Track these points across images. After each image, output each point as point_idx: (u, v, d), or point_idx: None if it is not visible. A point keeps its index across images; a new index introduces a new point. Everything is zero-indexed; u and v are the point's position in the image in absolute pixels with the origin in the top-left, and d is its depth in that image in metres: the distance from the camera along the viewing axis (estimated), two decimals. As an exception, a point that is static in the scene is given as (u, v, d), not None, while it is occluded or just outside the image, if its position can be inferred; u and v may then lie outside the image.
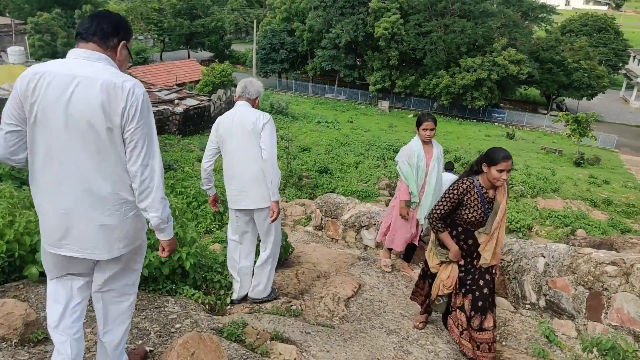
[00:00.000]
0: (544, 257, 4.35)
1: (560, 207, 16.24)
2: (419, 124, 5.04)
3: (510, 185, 17.36)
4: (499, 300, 4.62)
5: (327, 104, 44.98)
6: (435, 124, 4.99)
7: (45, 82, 2.25)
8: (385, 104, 44.49)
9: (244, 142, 3.98)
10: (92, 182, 2.31)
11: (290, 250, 5.53)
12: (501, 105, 45.65)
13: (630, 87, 56.39)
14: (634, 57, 56.26)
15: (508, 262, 4.58)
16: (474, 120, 43.55)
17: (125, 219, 2.42)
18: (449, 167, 12.59)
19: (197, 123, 26.05)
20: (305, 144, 24.68)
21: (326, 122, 34.70)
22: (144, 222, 2.56)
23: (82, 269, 2.50)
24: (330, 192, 12.96)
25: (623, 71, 56.53)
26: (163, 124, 24.14)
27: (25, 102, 2.28)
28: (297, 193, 13.39)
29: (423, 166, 5.03)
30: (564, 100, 50.69)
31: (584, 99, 46.73)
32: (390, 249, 5.42)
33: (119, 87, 2.26)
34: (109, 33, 2.40)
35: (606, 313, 3.86)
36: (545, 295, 4.26)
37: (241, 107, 4.10)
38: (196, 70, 38.76)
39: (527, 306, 4.45)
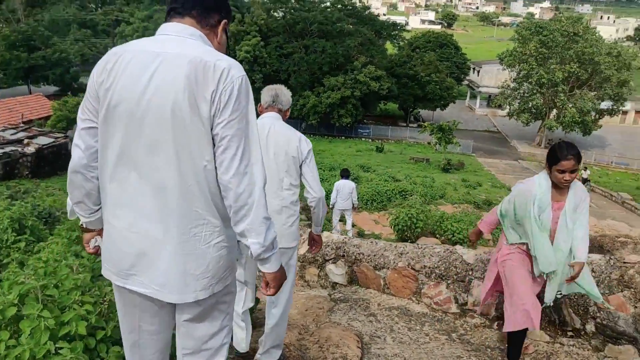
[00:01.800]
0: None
1: (454, 212, 16.49)
2: (554, 161, 3.25)
3: (405, 197, 17.35)
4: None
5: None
6: (579, 161, 3.27)
7: (124, 63, 1.82)
8: (254, 128, 43.69)
9: (279, 166, 3.18)
10: (168, 193, 1.82)
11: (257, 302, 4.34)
12: (365, 121, 47.17)
13: (473, 96, 61.68)
14: (473, 68, 61.67)
15: (534, 283, 3.87)
16: (343, 137, 44.44)
17: (207, 249, 1.88)
18: (344, 173, 12.11)
19: (53, 163, 23.05)
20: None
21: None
22: (233, 257, 2.00)
23: (157, 322, 1.99)
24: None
25: (466, 82, 61.64)
26: (12, 168, 20.96)
27: (100, 89, 1.85)
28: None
29: (546, 220, 3.26)
30: (419, 112, 53.83)
31: (438, 109, 50.00)
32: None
33: (210, 66, 1.77)
34: (210, 7, 1.98)
35: (681, 331, 3.27)
36: (594, 318, 3.60)
37: (276, 121, 3.26)
38: (44, 105, 34.81)
39: (569, 333, 3.76)
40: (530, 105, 44.89)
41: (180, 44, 1.84)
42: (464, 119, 54.74)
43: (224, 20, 2.03)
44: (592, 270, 3.65)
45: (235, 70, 1.81)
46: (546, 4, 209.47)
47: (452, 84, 49.13)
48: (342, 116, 41.74)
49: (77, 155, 1.93)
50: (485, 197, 21.56)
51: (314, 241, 3.50)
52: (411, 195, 17.04)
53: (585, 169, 31.76)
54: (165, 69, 1.77)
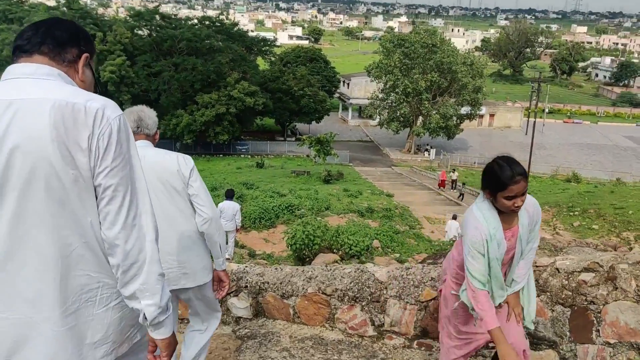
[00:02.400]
0: (498, 280, 3.63)
1: (342, 223, 16.62)
2: (498, 187, 2.60)
3: (292, 212, 17.17)
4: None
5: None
6: (527, 178, 2.66)
7: None
8: (125, 151, 41.35)
9: (165, 198, 2.83)
10: (48, 263, 1.56)
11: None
12: (243, 137, 46.70)
13: (345, 108, 63.71)
14: (343, 81, 63.79)
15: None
16: (221, 155, 43.61)
17: (105, 312, 1.68)
18: (229, 194, 11.62)
19: None
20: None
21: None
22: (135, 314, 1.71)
23: None
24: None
25: (337, 95, 63.54)
26: None
27: None
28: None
29: (502, 255, 2.71)
30: (296, 125, 54.45)
31: (313, 122, 50.93)
32: None
33: (80, 108, 1.54)
34: (65, 41, 1.67)
35: (598, 330, 3.29)
36: (513, 326, 3.55)
37: (146, 150, 2.83)
38: None
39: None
40: (398, 114, 47.29)
41: (36, 87, 1.55)
42: (338, 130, 56.31)
43: (85, 54, 1.73)
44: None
45: (110, 111, 1.59)
46: (403, 19, 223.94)
47: (325, 97, 50.34)
48: (219, 133, 40.95)
49: None
50: (367, 205, 22.08)
51: (221, 281, 3.08)
52: (299, 210, 16.92)
53: (454, 170, 33.95)
54: (23, 121, 1.50)
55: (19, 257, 1.56)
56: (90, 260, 1.62)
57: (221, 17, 48.67)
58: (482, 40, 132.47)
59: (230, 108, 40.03)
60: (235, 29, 49.67)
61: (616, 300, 3.22)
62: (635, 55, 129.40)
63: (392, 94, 46.95)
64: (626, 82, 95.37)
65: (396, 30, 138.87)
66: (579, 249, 4.85)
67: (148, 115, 2.97)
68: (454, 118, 47.01)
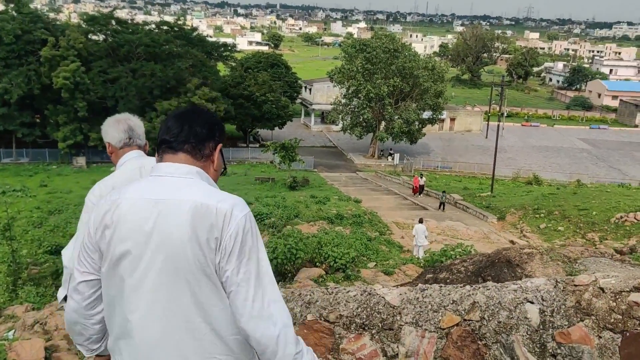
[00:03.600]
0: (533, 302, 3.16)
1: (313, 230, 16.10)
2: None
3: (262, 220, 16.55)
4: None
5: (8, 170, 38.12)
6: None
7: (122, 213, 1.78)
8: (81, 160, 39.84)
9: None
10: (180, 344, 1.77)
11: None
12: (204, 144, 45.61)
13: (308, 114, 63.30)
14: (305, 87, 63.37)
15: (478, 321, 3.25)
16: (182, 163, 42.43)
17: None
18: None
19: None
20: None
21: (14, 190, 28.93)
22: None
23: None
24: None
25: (299, 100, 63.07)
26: None
27: (101, 242, 1.82)
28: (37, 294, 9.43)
29: None
30: (258, 132, 53.65)
31: (276, 128, 50.27)
32: None
33: (212, 211, 1.74)
34: (205, 137, 1.90)
35: (654, 359, 2.87)
36: (554, 356, 3.08)
37: (144, 163, 2.65)
38: None
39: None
40: (361, 119, 47.15)
41: (177, 187, 1.78)
42: (301, 136, 55.81)
43: (220, 145, 1.95)
44: (542, 298, 3.15)
45: (237, 211, 1.75)
46: (362, 25, 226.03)
47: (287, 103, 49.80)
48: (180, 141, 39.79)
49: (74, 306, 1.91)
50: (336, 212, 21.63)
51: None
52: (269, 219, 16.32)
53: (422, 175, 33.86)
54: (166, 219, 1.73)
55: (159, 335, 1.77)
56: (218, 344, 1.79)
57: (179, 22, 47.39)
58: (440, 46, 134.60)
59: (191, 114, 39.01)
60: (195, 34, 48.59)
61: (676, 324, 2.80)
62: (586, 60, 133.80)
63: (355, 99, 46.81)
64: (578, 86, 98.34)
65: (355, 36, 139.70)
66: (595, 260, 4.51)
67: (137, 124, 2.78)
68: (417, 123, 47.21)
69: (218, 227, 1.71)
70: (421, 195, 32.29)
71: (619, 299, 2.96)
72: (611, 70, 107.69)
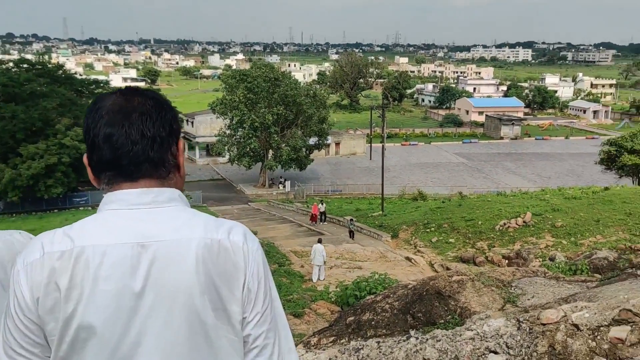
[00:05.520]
0: (497, 351, 2.53)
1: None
2: None
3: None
4: None
5: None
6: None
7: (90, 267, 1.21)
8: None
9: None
10: None
11: None
12: (80, 187, 42.22)
13: (192, 147, 61.36)
14: (187, 120, 61.53)
15: (431, 383, 2.57)
16: (56, 210, 38.90)
17: None
18: None
19: None
20: None
21: None
22: None
23: None
24: None
25: (182, 134, 60.95)
26: None
27: (50, 315, 1.21)
28: None
29: None
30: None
31: (159, 165, 47.92)
32: None
33: (227, 248, 1.30)
34: (168, 142, 1.37)
35: (648, 405, 2.34)
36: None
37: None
38: None
39: None
40: (248, 149, 46.38)
41: (166, 221, 1.28)
42: (187, 170, 53.73)
43: (181, 139, 1.43)
44: (507, 346, 2.53)
45: (251, 241, 1.35)
46: (240, 56, 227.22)
47: (170, 138, 47.78)
48: (51, 187, 36.47)
49: None
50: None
51: None
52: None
53: (322, 202, 33.52)
54: (165, 270, 1.23)
55: None
56: None
57: (41, 59, 43.94)
58: (319, 74, 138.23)
59: (63, 157, 35.91)
60: (60, 71, 45.23)
61: (668, 360, 2.29)
62: (452, 80, 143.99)
63: (240, 130, 46.02)
64: (448, 105, 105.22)
65: (234, 67, 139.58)
66: (530, 281, 4.10)
67: None
68: (304, 149, 47.37)
69: (241, 269, 1.29)
70: (323, 222, 31.87)
71: (599, 337, 2.43)
72: (475, 89, 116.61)
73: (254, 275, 1.33)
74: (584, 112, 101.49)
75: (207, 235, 1.28)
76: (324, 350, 3.20)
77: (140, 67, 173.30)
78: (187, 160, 61.25)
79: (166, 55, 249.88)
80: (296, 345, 5.12)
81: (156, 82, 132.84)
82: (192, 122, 60.45)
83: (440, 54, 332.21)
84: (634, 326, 2.41)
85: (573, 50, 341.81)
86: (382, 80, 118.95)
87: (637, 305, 2.47)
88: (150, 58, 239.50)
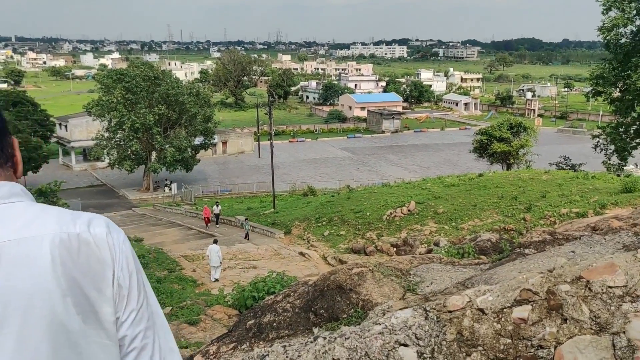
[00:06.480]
0: (407, 344, 2.45)
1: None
2: None
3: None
4: None
5: None
6: None
7: None
8: None
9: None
10: None
11: None
12: None
13: (67, 152, 57.22)
14: (60, 124, 57.21)
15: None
16: None
17: None
18: None
19: None
20: None
21: None
22: None
23: None
24: None
25: (54, 139, 56.66)
26: None
27: None
28: None
29: None
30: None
31: (30, 172, 44.20)
32: None
33: (87, 241, 1.16)
34: (2, 131, 1.29)
35: (553, 383, 2.38)
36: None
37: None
38: None
39: None
40: (129, 152, 44.19)
41: (9, 218, 1.12)
42: (63, 177, 49.99)
43: (11, 135, 1.31)
44: (416, 337, 2.47)
45: (115, 233, 1.22)
46: (116, 55, 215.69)
47: (40, 143, 44.30)
48: None
49: None
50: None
51: None
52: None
53: (217, 204, 32.54)
54: (16, 274, 1.07)
55: None
56: None
57: None
58: (201, 72, 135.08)
59: None
60: None
61: (571, 337, 2.35)
62: (334, 77, 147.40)
63: (120, 132, 43.64)
64: (332, 101, 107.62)
65: (110, 66, 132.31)
66: (427, 268, 4.14)
67: None
68: (189, 149, 45.99)
69: (108, 263, 1.17)
70: (218, 225, 30.98)
71: (503, 319, 2.44)
72: (356, 85, 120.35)
73: (124, 270, 1.20)
74: (456, 104, 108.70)
75: (63, 229, 1.13)
76: (225, 359, 2.98)
77: (0, 67, 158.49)
78: (63, 166, 57.11)
79: (31, 54, 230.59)
80: (194, 355, 4.80)
81: (21, 84, 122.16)
82: (66, 126, 56.36)
83: (322, 52, 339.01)
84: (534, 305, 2.46)
85: (443, 47, 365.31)
86: (266, 78, 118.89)
87: (536, 284, 2.52)
88: (12, 57, 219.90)
